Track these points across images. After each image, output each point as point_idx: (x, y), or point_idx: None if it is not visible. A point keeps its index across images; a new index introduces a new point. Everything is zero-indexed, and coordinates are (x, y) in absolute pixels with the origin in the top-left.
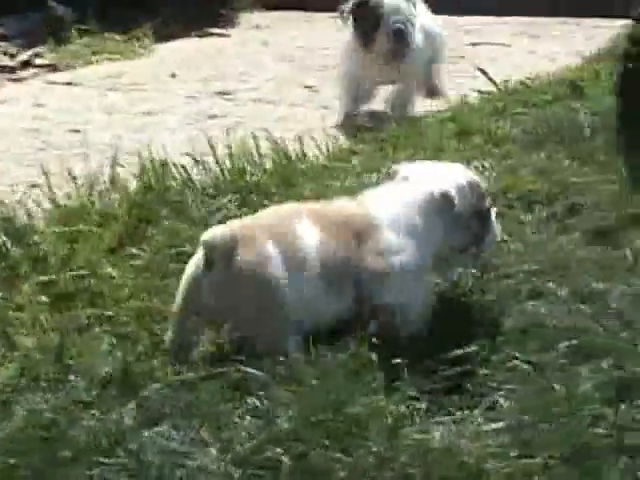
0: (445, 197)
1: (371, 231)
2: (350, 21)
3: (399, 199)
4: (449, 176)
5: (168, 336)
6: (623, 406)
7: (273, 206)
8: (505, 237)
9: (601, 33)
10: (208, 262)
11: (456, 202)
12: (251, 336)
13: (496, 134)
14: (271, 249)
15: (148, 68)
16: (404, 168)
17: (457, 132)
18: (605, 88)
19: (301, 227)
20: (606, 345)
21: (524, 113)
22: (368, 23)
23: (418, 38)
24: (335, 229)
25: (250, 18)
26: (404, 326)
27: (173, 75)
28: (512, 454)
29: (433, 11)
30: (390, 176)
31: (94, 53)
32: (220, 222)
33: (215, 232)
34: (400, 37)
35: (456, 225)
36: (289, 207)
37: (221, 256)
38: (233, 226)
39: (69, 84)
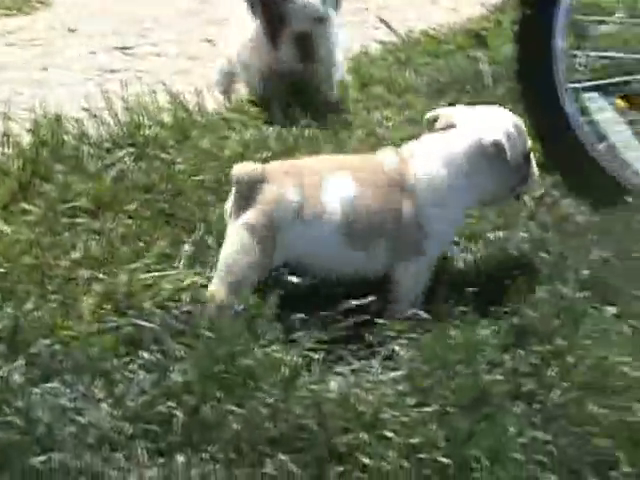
0: (497, 146)
1: (409, 191)
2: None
3: (445, 151)
4: (498, 122)
5: None
6: (520, 352)
7: (321, 155)
8: None
9: None
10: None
11: (507, 150)
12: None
13: (398, 84)
14: (290, 194)
15: (46, 22)
16: (448, 114)
17: (358, 83)
18: (507, 37)
19: (332, 179)
20: (505, 292)
21: (426, 63)
22: (274, 19)
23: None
24: (372, 185)
25: None
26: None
27: (71, 30)
28: (409, 402)
29: None
30: (433, 123)
31: None
32: (116, 177)
33: (245, 167)
34: (305, 42)
35: (506, 171)
36: (330, 158)
37: (244, 190)
38: (266, 166)
39: None
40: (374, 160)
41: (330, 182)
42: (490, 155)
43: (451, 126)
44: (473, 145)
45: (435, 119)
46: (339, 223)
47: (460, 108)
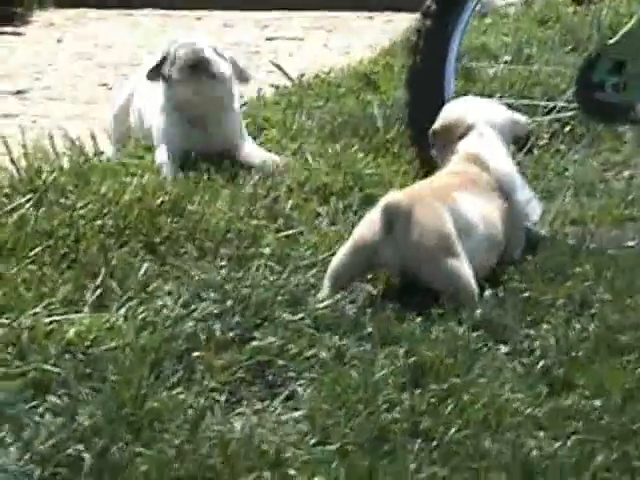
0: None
1: (500, 190)
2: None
3: (498, 148)
4: (501, 108)
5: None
6: (418, 391)
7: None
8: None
9: (394, 27)
10: (388, 224)
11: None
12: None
13: (292, 128)
14: (444, 212)
15: None
16: (459, 120)
17: (253, 126)
18: (398, 81)
19: (465, 197)
20: (401, 331)
21: (319, 107)
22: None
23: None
24: (487, 196)
25: (45, 16)
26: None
27: None
28: (311, 442)
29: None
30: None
31: None
32: (17, 222)
33: (395, 196)
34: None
35: None
36: (440, 179)
37: (402, 217)
38: (407, 192)
39: None
40: (473, 173)
41: (466, 200)
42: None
43: (470, 127)
44: (507, 135)
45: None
46: (484, 236)
47: (459, 110)
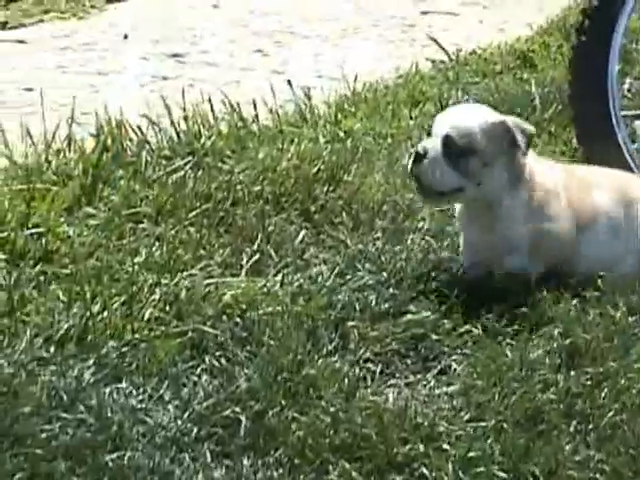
0: None
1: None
2: None
3: None
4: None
5: None
6: (573, 373)
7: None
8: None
9: (551, 5)
10: None
11: None
12: None
13: (448, 103)
14: None
15: (99, 28)
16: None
17: (410, 100)
18: (555, 60)
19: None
20: (557, 312)
21: (475, 83)
22: None
23: None
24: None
25: None
26: None
27: (125, 36)
28: (464, 417)
29: None
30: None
31: (45, 12)
32: (176, 184)
33: None
34: None
35: None
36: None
37: None
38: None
39: (20, 42)
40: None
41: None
42: None
43: None
44: None
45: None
46: None
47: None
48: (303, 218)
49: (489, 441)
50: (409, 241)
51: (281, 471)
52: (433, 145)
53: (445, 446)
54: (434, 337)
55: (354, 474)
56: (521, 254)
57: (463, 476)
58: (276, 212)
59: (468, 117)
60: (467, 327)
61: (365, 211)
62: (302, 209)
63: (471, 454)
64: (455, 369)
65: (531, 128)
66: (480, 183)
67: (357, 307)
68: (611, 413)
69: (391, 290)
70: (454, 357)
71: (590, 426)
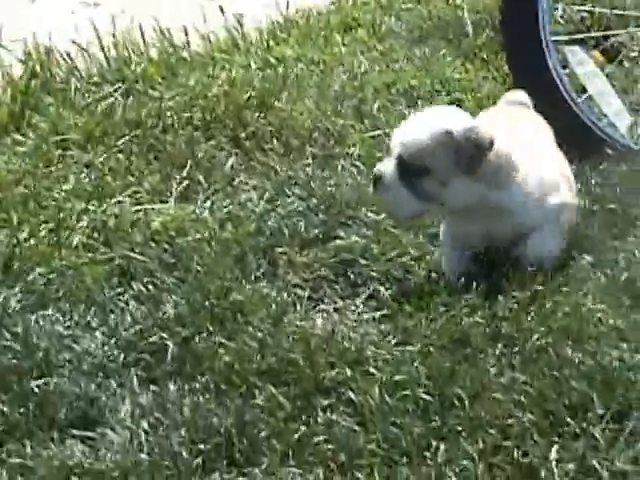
0: None
1: None
2: None
3: None
4: None
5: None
6: (499, 297)
7: None
8: (388, 131)
9: None
10: None
11: None
12: None
13: (380, 29)
14: None
15: None
16: None
17: (342, 26)
18: None
19: None
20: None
21: (409, 9)
22: None
23: None
24: None
25: None
26: None
27: None
28: (392, 341)
29: None
30: None
31: None
32: (105, 111)
33: None
34: None
35: None
36: None
37: None
38: None
39: None
40: None
41: None
42: None
43: None
44: None
45: None
46: None
47: None
48: (233, 144)
49: (415, 365)
50: (339, 167)
51: (208, 396)
52: (388, 167)
53: (372, 370)
54: (363, 262)
55: (281, 398)
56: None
57: (389, 399)
58: (206, 139)
59: (419, 130)
60: (396, 252)
61: (295, 137)
62: (232, 136)
63: (397, 378)
64: (383, 294)
65: (486, 138)
66: (443, 203)
67: (286, 233)
68: (536, 336)
69: (320, 216)
70: (383, 282)
71: (515, 349)
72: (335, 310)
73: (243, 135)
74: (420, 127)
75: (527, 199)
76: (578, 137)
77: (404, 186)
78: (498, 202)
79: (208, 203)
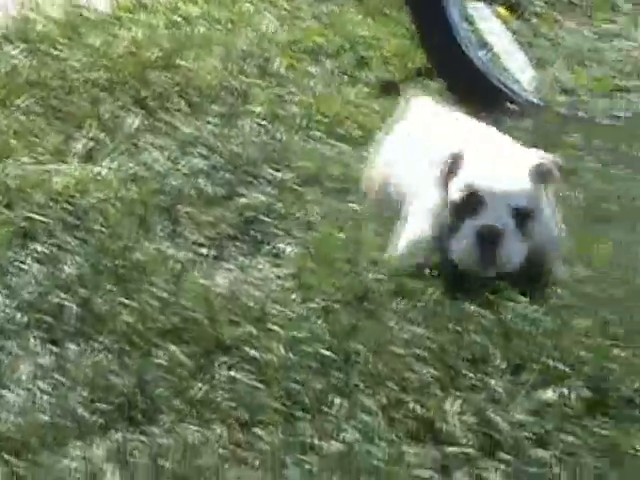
0: None
1: None
2: None
3: None
4: None
5: None
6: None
7: None
8: (293, 89)
9: None
10: None
11: None
12: None
13: None
14: None
15: None
16: None
17: None
18: None
19: None
20: None
21: None
22: None
23: None
24: None
25: None
26: None
27: None
28: (294, 298)
29: None
30: None
31: None
32: (7, 72)
33: None
34: None
35: None
36: None
37: None
38: None
39: None
40: None
41: None
42: None
43: None
44: None
45: None
46: None
47: None
48: (138, 104)
49: (317, 322)
50: (244, 126)
51: (108, 356)
52: (501, 220)
53: (274, 327)
54: (267, 220)
55: (182, 357)
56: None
57: (291, 356)
58: (110, 99)
59: (517, 171)
60: (300, 210)
61: (201, 96)
62: (137, 96)
63: (299, 335)
64: (287, 252)
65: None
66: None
67: (190, 192)
68: (437, 291)
69: (225, 175)
70: (287, 240)
71: (417, 304)
72: (239, 268)
73: (148, 95)
74: (513, 169)
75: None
76: (481, 93)
77: (520, 235)
78: None
79: (111, 163)
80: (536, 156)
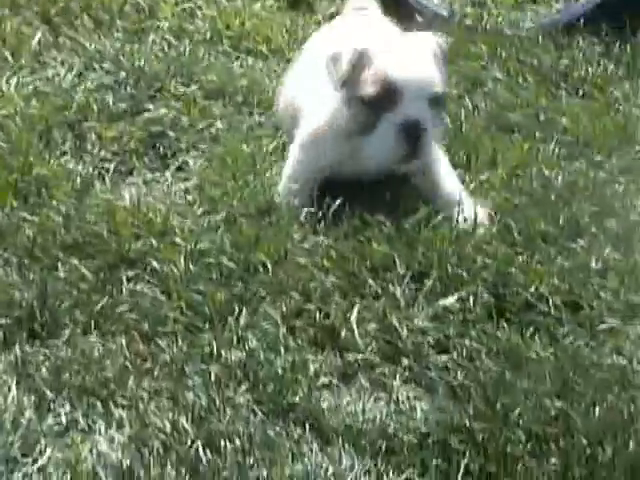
0: None
1: None
2: None
3: None
4: None
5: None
6: None
7: None
8: (200, 3)
9: None
10: None
11: None
12: None
13: None
14: None
15: None
16: None
17: None
18: None
19: None
20: None
21: None
22: None
23: None
24: None
25: None
26: None
27: None
28: (198, 211)
29: None
30: None
31: None
32: None
33: None
34: None
35: None
36: None
37: None
38: None
39: None
40: None
41: None
42: None
43: None
44: None
45: None
46: None
47: None
48: (42, 20)
49: (220, 233)
50: (149, 40)
51: (9, 270)
52: (419, 113)
53: (177, 240)
54: (172, 134)
55: (84, 271)
56: None
57: (193, 267)
58: (14, 14)
59: (423, 59)
60: (205, 123)
61: (105, 12)
62: (41, 11)
63: (202, 246)
64: (192, 165)
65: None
66: None
67: (94, 107)
68: (339, 201)
69: (129, 90)
70: (192, 153)
71: (319, 215)
72: (144, 183)
73: (52, 11)
74: (419, 56)
75: None
76: (392, 5)
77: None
78: None
79: (14, 79)
80: (430, 39)
